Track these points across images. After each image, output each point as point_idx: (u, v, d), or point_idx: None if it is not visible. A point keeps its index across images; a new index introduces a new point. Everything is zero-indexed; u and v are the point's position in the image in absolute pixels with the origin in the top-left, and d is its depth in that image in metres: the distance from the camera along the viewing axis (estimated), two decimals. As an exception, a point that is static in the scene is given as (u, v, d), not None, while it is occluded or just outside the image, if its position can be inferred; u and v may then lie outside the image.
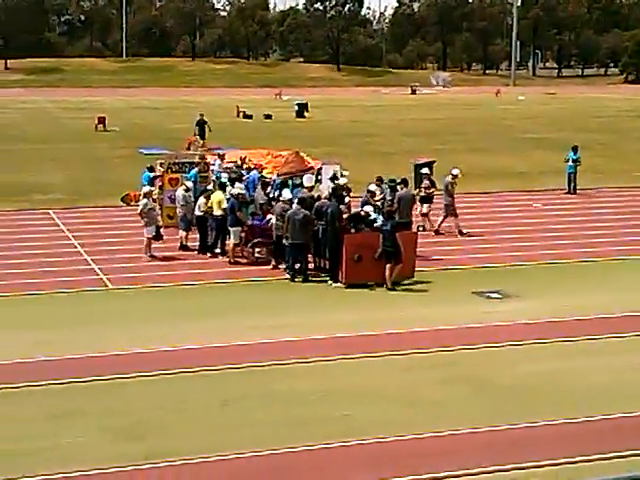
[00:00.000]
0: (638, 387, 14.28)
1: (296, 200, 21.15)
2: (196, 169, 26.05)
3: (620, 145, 33.89)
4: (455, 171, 26.38)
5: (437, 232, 25.67)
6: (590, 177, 35.18)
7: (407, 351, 15.81)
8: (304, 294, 19.90)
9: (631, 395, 13.89)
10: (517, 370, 15.04)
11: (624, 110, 78.22)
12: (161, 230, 23.11)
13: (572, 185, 33.20)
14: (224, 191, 22.94)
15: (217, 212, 22.56)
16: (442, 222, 25.86)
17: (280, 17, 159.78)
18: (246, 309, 18.60)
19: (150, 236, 22.54)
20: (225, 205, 22.38)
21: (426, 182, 26.51)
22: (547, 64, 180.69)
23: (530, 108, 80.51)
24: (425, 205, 26.01)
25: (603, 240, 25.27)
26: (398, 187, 23.46)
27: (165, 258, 22.67)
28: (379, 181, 23.99)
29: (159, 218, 23.68)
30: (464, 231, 25.63)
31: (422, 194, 26.06)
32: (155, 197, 24.78)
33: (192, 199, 23.84)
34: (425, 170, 27.64)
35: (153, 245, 22.71)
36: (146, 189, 23.34)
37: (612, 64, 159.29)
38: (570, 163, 33.20)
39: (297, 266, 20.69)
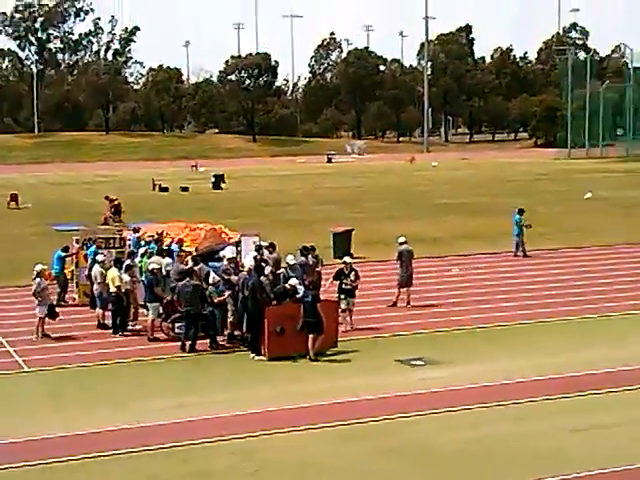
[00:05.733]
0: (572, 449, 14.22)
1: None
2: (94, 246, 25.48)
3: (535, 209, 34.50)
4: (401, 239, 25.58)
5: (395, 304, 24.95)
6: (509, 240, 35.65)
7: (335, 423, 15.56)
8: (225, 369, 19.55)
9: (566, 458, 13.81)
10: (448, 437, 14.88)
11: (536, 174, 79.97)
12: (56, 308, 22.57)
13: (520, 248, 33.47)
14: (120, 268, 22.58)
15: (112, 289, 22.22)
16: (399, 294, 25.11)
17: (194, 89, 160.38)
18: (163, 388, 18.14)
19: (42, 315, 21.99)
20: (118, 283, 22.10)
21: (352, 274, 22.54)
22: (459, 130, 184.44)
23: (444, 174, 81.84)
24: (350, 300, 22.37)
25: (528, 303, 25.46)
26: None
27: (66, 338, 22.02)
28: (305, 250, 23.86)
29: (52, 297, 23.15)
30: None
31: (347, 287, 22.42)
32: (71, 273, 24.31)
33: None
34: (347, 259, 23.53)
35: (50, 324, 22.09)
36: (38, 267, 22.58)
37: (521, 128, 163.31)
38: (516, 226, 33.62)
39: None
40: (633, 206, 50.43)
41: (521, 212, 34.12)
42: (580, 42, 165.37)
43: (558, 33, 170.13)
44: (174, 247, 24.23)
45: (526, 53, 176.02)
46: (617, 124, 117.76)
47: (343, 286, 22.40)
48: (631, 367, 18.66)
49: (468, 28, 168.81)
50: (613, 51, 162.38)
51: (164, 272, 22.52)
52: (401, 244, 25.51)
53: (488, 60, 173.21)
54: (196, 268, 21.96)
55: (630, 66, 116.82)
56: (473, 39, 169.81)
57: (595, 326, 22.86)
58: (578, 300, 25.58)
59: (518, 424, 15.52)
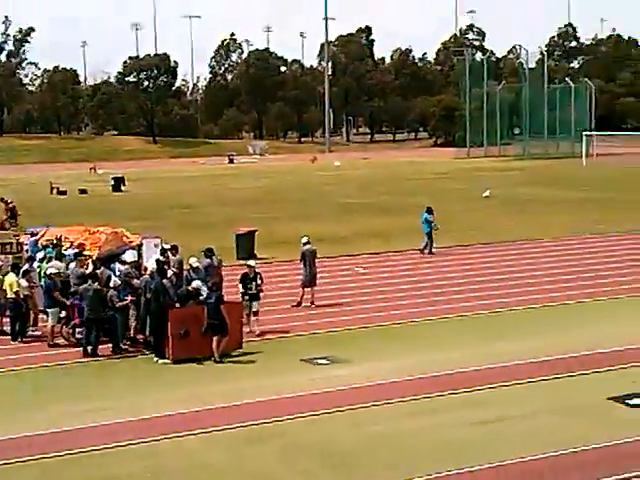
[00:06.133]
0: (474, 443, 14.41)
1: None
2: None
3: (435, 207, 35.04)
4: (304, 239, 25.60)
5: (299, 304, 24.97)
6: (412, 238, 36.09)
7: (240, 424, 15.48)
8: (129, 373, 19.28)
9: (461, 452, 14.00)
10: (352, 435, 14.94)
11: (436, 172, 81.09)
12: None
13: (428, 246, 33.85)
14: (17, 273, 22.10)
15: (10, 295, 21.76)
16: (303, 294, 25.11)
17: (92, 90, 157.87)
18: (67, 394, 17.80)
19: None
20: (16, 288, 21.65)
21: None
22: (360, 130, 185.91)
23: (347, 174, 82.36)
24: (255, 303, 22.18)
25: (437, 299, 25.80)
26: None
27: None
28: (209, 252, 23.65)
29: None
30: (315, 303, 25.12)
31: (253, 291, 22.18)
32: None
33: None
34: (252, 262, 23.25)
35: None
36: None
37: (421, 128, 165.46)
38: (425, 223, 34.02)
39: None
40: (527, 203, 51.59)
41: (430, 211, 34.54)
42: (477, 43, 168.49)
43: (455, 34, 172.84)
44: (67, 252, 23.78)
45: (425, 54, 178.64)
46: (514, 123, 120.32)
47: (248, 290, 22.12)
48: (527, 360, 19.03)
49: (368, 29, 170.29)
50: (509, 52, 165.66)
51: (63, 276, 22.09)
52: (304, 244, 25.53)
53: (388, 61, 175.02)
54: (98, 272, 21.59)
55: (525, 67, 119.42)
56: (373, 40, 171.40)
57: (494, 320, 23.26)
58: (476, 296, 26.01)
59: (421, 419, 15.68)
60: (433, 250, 34.07)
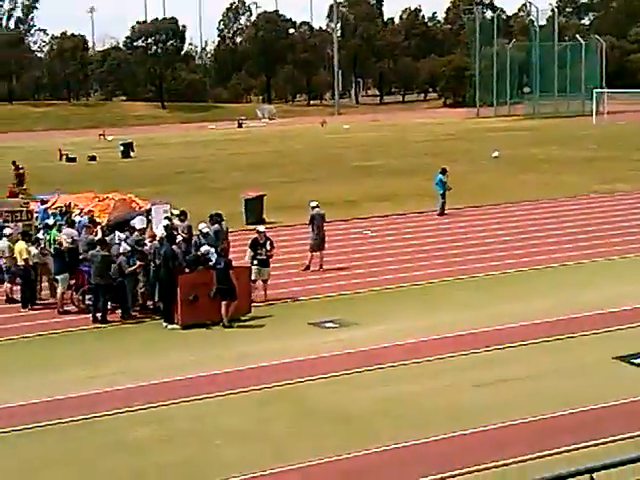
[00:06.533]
0: (475, 404, 14.55)
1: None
2: (0, 219, 24.96)
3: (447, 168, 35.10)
4: (313, 203, 25.71)
5: (308, 268, 25.00)
6: (424, 199, 36.13)
7: (250, 388, 15.66)
8: (139, 338, 19.48)
9: (469, 413, 14.15)
10: (361, 396, 15.10)
11: (445, 133, 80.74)
12: None
13: (440, 205, 33.98)
14: (27, 241, 22.24)
15: (20, 263, 21.91)
16: (311, 258, 25.14)
17: (101, 56, 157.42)
18: (77, 359, 18.03)
19: None
20: (26, 256, 21.80)
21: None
22: (369, 92, 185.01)
23: (356, 136, 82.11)
24: (264, 270, 22.06)
25: (444, 261, 25.88)
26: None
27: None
28: (217, 216, 23.64)
29: None
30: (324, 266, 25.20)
31: (262, 257, 22.03)
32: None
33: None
34: (261, 228, 23.21)
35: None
36: None
37: (431, 89, 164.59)
38: (439, 184, 34.11)
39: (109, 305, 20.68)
40: (537, 162, 51.42)
41: (444, 172, 34.56)
42: (487, 1, 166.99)
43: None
44: (78, 219, 23.91)
45: (435, 13, 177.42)
46: (524, 82, 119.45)
47: (257, 256, 22.04)
48: (533, 322, 19.13)
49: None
50: (520, 9, 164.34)
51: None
52: (313, 208, 25.60)
53: (397, 21, 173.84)
54: (108, 238, 21.73)
55: (536, 24, 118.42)
56: (382, 0, 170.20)
57: (501, 282, 23.35)
58: (484, 257, 26.10)
59: (426, 381, 15.79)
60: (445, 211, 34.12)
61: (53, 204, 27.81)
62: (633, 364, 16.25)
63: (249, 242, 22.56)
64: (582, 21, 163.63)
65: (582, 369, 16.18)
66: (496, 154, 54.96)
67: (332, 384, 15.87)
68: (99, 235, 22.23)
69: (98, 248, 20.77)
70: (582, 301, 20.64)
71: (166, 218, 23.51)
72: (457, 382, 15.66)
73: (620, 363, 16.30)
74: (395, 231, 31.44)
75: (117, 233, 22.30)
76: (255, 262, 22.01)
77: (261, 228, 23.14)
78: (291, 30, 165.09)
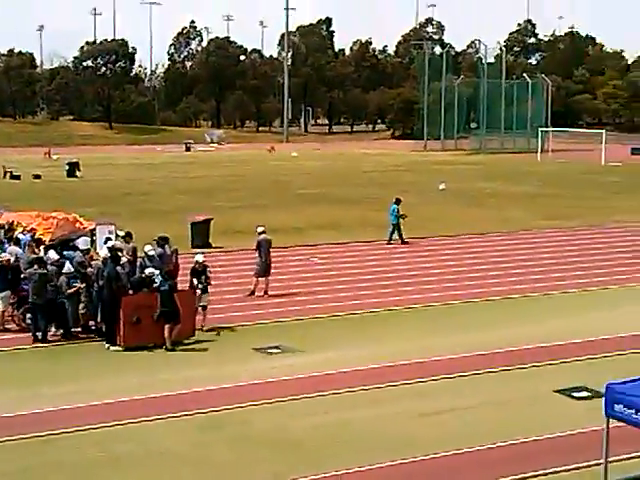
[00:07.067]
0: (418, 434, 14.57)
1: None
2: None
3: (390, 199, 35.38)
4: (260, 229, 25.67)
5: (252, 293, 24.94)
6: (368, 228, 36.22)
7: (190, 412, 15.53)
8: (80, 359, 19.23)
9: (411, 442, 14.15)
10: (303, 423, 15.06)
11: (393, 165, 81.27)
12: None
13: (394, 235, 34.47)
14: None
15: None
16: (257, 283, 25.06)
17: (49, 74, 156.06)
18: (17, 378, 17.72)
19: None
20: None
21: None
22: (318, 121, 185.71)
23: (304, 164, 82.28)
24: (204, 296, 21.68)
25: (387, 291, 25.94)
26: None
27: None
28: (162, 240, 23.45)
29: None
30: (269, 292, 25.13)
31: (202, 284, 21.76)
32: None
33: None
34: (200, 258, 22.32)
35: None
36: None
37: (379, 120, 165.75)
38: (392, 214, 34.61)
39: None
40: (483, 197, 51.99)
41: (398, 202, 35.02)
42: (437, 37, 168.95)
43: (415, 27, 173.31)
44: (22, 237, 23.59)
45: (385, 47, 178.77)
46: (471, 118, 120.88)
47: (198, 284, 21.65)
48: (478, 353, 19.26)
49: (328, 20, 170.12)
50: (469, 46, 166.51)
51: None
52: (260, 234, 25.56)
53: (348, 52, 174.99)
54: (54, 258, 21.33)
55: (484, 61, 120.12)
56: (333, 31, 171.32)
57: (443, 313, 23.48)
58: (427, 288, 26.24)
59: (368, 409, 15.83)
60: (405, 239, 34.66)
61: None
62: (573, 397, 16.42)
63: (190, 270, 22.31)
64: (529, 60, 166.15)
65: (522, 401, 16.30)
66: (442, 186, 55.45)
67: (275, 409, 15.82)
68: (41, 254, 21.92)
69: (35, 267, 20.49)
70: (530, 333, 20.83)
71: (107, 239, 23.32)
72: (394, 412, 15.71)
73: (560, 396, 16.46)
74: (341, 259, 31.50)
75: (50, 252, 21.87)
76: (197, 289, 21.73)
77: (200, 258, 22.43)
78: (242, 57, 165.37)
